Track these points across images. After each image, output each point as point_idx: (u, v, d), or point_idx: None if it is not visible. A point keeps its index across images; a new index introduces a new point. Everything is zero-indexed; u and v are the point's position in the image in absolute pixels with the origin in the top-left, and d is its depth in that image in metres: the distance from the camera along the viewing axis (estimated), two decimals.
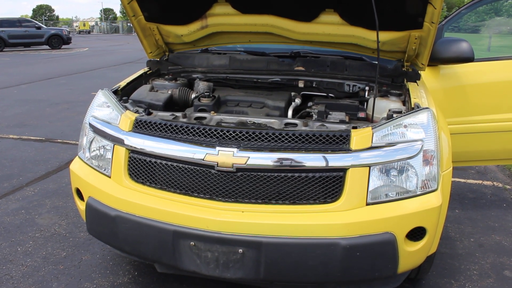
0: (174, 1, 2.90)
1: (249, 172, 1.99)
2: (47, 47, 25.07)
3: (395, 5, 2.49)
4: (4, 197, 4.11)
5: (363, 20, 2.73)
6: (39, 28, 25.03)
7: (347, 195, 1.97)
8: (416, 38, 2.68)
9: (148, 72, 3.12)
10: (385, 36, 2.73)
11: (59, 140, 6.04)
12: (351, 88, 2.91)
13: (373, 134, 2.03)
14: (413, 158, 2.02)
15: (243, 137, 2.02)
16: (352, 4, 2.66)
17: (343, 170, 1.97)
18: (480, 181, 4.75)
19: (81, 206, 2.43)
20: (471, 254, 3.22)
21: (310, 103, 2.72)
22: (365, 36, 2.81)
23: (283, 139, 2.00)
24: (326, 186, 1.98)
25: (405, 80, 2.80)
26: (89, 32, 65.86)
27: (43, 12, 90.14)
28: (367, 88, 2.83)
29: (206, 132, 2.07)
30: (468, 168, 5.10)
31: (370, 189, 1.99)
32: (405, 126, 2.08)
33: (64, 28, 29.59)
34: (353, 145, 1.99)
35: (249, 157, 1.96)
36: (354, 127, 2.15)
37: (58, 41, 25.14)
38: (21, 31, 24.05)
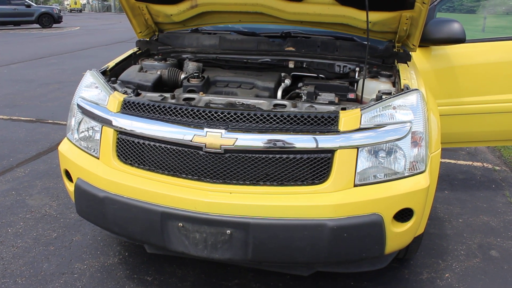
0: None
1: (237, 154, 1.99)
2: (37, 25, 24.64)
3: None
4: None
5: (354, 0, 2.70)
6: (28, 6, 24.53)
7: (335, 176, 1.97)
8: (407, 19, 2.66)
9: (137, 52, 3.08)
10: (376, 16, 2.70)
11: (49, 121, 5.99)
12: (341, 69, 2.90)
13: (361, 115, 2.03)
14: (402, 140, 2.03)
15: (231, 118, 2.01)
16: None
17: (331, 151, 1.97)
18: (470, 162, 4.78)
19: (70, 187, 2.43)
20: (459, 234, 3.26)
21: (300, 84, 2.70)
22: (356, 16, 2.78)
23: (271, 120, 1.99)
24: (314, 168, 1.99)
25: (396, 61, 2.78)
26: (80, 11, 64.73)
27: None
28: (357, 69, 2.82)
29: (194, 113, 2.06)
30: (458, 149, 5.13)
31: (358, 170, 1.99)
32: (394, 108, 2.08)
33: (54, 7, 29.08)
34: (341, 126, 1.98)
35: (237, 139, 1.96)
36: (343, 109, 2.15)
37: (48, 19, 24.70)
38: (10, 9, 23.57)
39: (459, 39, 3.22)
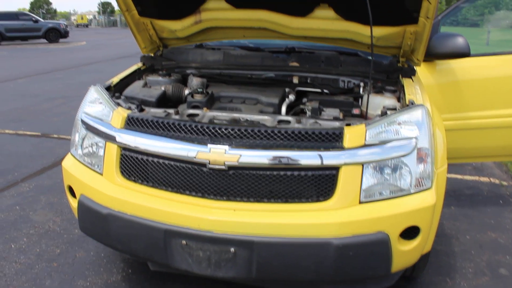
0: None
1: (241, 170, 1.97)
2: (44, 40, 24.95)
3: (390, 0, 2.46)
4: None
5: (358, 15, 2.70)
6: (36, 21, 24.88)
7: (340, 193, 1.95)
8: (411, 34, 2.65)
9: (141, 68, 3.09)
10: (380, 31, 2.70)
11: (55, 136, 6.01)
12: (346, 84, 2.89)
13: (366, 131, 2.01)
14: (407, 156, 2.01)
15: (235, 134, 2.00)
16: None
17: (336, 168, 1.95)
18: (477, 177, 4.73)
19: (74, 203, 2.42)
20: (466, 251, 3.21)
21: (304, 100, 2.69)
22: (360, 31, 2.78)
23: (275, 136, 1.98)
24: (319, 185, 1.96)
25: (400, 76, 2.77)
26: (87, 26, 65.57)
27: (40, 5, 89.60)
28: (362, 84, 2.81)
29: (198, 129, 2.05)
30: (465, 164, 5.08)
31: (363, 187, 1.97)
32: (399, 124, 2.06)
33: (61, 22, 29.47)
34: (346, 142, 1.97)
35: (241, 155, 1.94)
36: (348, 124, 2.13)
37: (55, 34, 25.02)
38: (18, 24, 23.90)
39: (464, 53, 3.21)
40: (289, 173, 1.96)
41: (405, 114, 2.07)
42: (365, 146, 1.98)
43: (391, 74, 2.81)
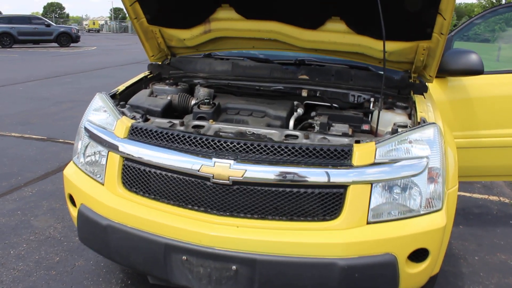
0: (177, 5, 2.84)
1: (245, 186, 1.91)
2: (55, 44, 25.15)
3: (404, 15, 2.41)
4: (1, 197, 4.05)
5: (370, 29, 2.65)
6: (48, 25, 25.11)
7: (347, 213, 1.88)
8: (424, 49, 2.60)
9: (148, 76, 3.06)
10: (392, 46, 2.65)
11: (60, 140, 5.99)
12: (356, 99, 2.83)
13: (376, 149, 1.94)
14: (418, 176, 1.94)
15: (240, 148, 1.94)
16: (359, 12, 2.58)
17: (344, 186, 1.89)
18: (486, 196, 4.64)
19: (74, 212, 2.37)
20: (475, 273, 3.12)
21: (313, 113, 2.64)
22: (372, 45, 2.73)
23: (282, 152, 1.92)
24: (325, 203, 1.90)
25: (412, 92, 2.71)
26: (98, 31, 66.14)
27: (53, 9, 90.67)
28: (372, 99, 2.75)
29: (202, 142, 2.00)
30: (474, 182, 4.99)
31: (371, 207, 1.90)
32: (410, 142, 1.99)
33: (73, 26, 29.70)
34: (355, 160, 1.90)
35: (246, 170, 1.88)
36: (357, 141, 2.07)
37: (66, 39, 25.21)
38: (30, 28, 24.12)
39: (477, 71, 3.15)
40: (295, 190, 1.89)
41: (417, 133, 2.01)
42: (375, 164, 1.92)
43: (402, 90, 2.75)
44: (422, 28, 2.48)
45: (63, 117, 7.32)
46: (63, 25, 31.52)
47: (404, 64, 2.80)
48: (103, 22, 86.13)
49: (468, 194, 4.65)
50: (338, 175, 1.88)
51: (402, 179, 1.93)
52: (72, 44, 25.71)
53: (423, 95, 2.70)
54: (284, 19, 2.76)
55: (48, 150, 5.55)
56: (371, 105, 2.73)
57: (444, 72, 3.20)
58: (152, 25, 2.97)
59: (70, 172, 2.40)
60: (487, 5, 42.01)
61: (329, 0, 2.56)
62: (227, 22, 2.89)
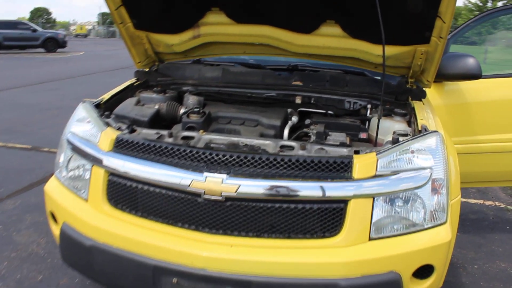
0: (164, 9, 2.71)
1: (239, 202, 1.79)
2: (42, 50, 24.81)
3: (401, 18, 2.31)
4: None
5: (366, 33, 2.55)
6: (34, 30, 24.76)
7: (348, 229, 1.77)
8: (422, 54, 2.51)
9: (135, 84, 2.92)
10: (389, 50, 2.55)
11: (46, 149, 5.81)
12: (351, 105, 2.72)
13: (377, 160, 1.83)
14: (421, 188, 1.84)
15: (233, 162, 1.82)
16: (355, 16, 2.48)
17: (344, 201, 1.77)
18: (482, 201, 4.56)
19: (56, 231, 2.22)
20: (475, 283, 3.03)
21: (307, 121, 2.53)
22: (368, 50, 2.63)
23: (278, 165, 1.80)
24: (325, 219, 1.78)
25: (410, 98, 2.61)
26: (86, 36, 65.61)
27: (40, 14, 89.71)
28: (369, 106, 2.64)
29: (193, 155, 1.87)
30: (469, 187, 4.91)
31: (373, 222, 1.79)
32: (412, 152, 1.89)
33: (60, 32, 29.39)
34: (356, 173, 1.79)
35: (239, 185, 1.76)
36: (356, 152, 1.96)
37: (53, 44, 24.88)
38: (16, 33, 23.77)
39: (475, 75, 3.06)
40: (292, 205, 1.78)
41: (419, 142, 1.91)
42: (376, 177, 1.80)
43: (400, 95, 2.65)
44: (420, 32, 2.38)
45: (49, 125, 7.13)
46: (50, 30, 31.02)
47: (401, 69, 2.71)
48: (90, 27, 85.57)
49: (463, 199, 4.55)
50: (338, 189, 1.76)
51: (405, 191, 1.83)
52: (59, 50, 25.37)
53: (421, 101, 2.61)
54: (276, 23, 2.65)
55: (32, 159, 5.37)
56: (368, 112, 2.62)
57: (441, 76, 3.11)
58: (138, 30, 2.84)
59: (52, 187, 2.26)
60: (474, 9, 42.44)
61: (324, 3, 2.46)
62: (217, 26, 2.77)
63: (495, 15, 3.63)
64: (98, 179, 2.03)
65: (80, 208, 2.05)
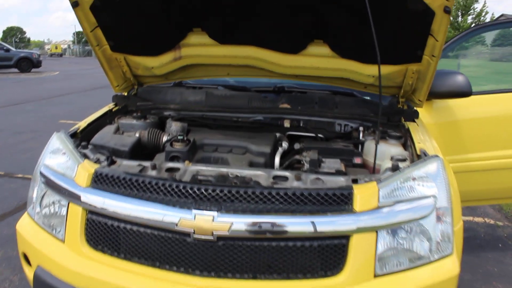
0: (143, 30, 2.57)
1: (233, 241, 1.63)
2: (16, 70, 24.30)
3: (393, 37, 2.22)
4: None
5: (356, 52, 2.46)
6: (7, 50, 24.25)
7: (352, 266, 1.63)
8: (413, 73, 2.42)
9: (113, 109, 2.75)
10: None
11: (19, 175, 5.55)
12: (342, 128, 2.61)
13: (379, 190, 1.71)
14: (426, 218, 1.72)
15: (224, 197, 1.67)
16: (344, 35, 2.39)
17: (346, 236, 1.64)
18: (471, 218, 4.50)
19: (29, 274, 2.02)
20: None
21: (296, 145, 2.40)
22: (358, 70, 2.54)
23: (273, 199, 1.65)
24: (326, 256, 1.64)
25: (403, 119, 2.52)
26: (61, 55, 64.78)
27: (14, 34, 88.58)
28: (361, 128, 2.53)
29: (179, 190, 1.71)
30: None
31: (377, 257, 1.66)
32: (414, 179, 1.77)
33: (34, 51, 28.86)
34: (357, 205, 1.66)
35: (232, 223, 1.61)
36: (354, 180, 1.84)
37: (27, 64, 24.38)
38: None
39: (465, 93, 3.00)
40: (291, 243, 1.63)
41: (421, 169, 1.80)
42: (379, 208, 1.68)
43: (391, 116, 2.55)
44: (412, 50, 2.30)
45: (23, 149, 6.85)
46: (24, 50, 30.53)
47: (391, 88, 2.62)
48: (66, 46, 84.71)
49: None
50: (339, 224, 1.63)
51: (409, 222, 1.71)
52: (33, 69, 24.87)
53: (414, 121, 2.51)
54: (262, 43, 2.54)
55: (5, 187, 5.10)
56: (361, 135, 2.51)
57: (430, 94, 3.02)
58: (116, 52, 2.69)
59: (24, 226, 2.07)
60: (452, 19, 43.67)
61: (312, 22, 2.35)
62: (199, 48, 2.64)
63: (479, 31, 3.60)
64: (75, 218, 1.85)
65: (56, 250, 1.87)
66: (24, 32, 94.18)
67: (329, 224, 1.63)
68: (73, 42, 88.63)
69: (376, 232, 1.66)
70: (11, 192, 4.94)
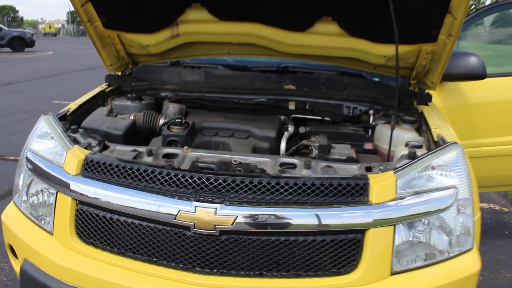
0: (138, 5, 2.39)
1: (237, 235, 1.49)
2: (8, 49, 23.87)
3: (406, 14, 2.04)
4: None
5: (366, 30, 2.29)
6: None
7: (367, 263, 1.49)
8: (427, 53, 2.27)
9: (106, 90, 2.58)
10: (390, 49, 2.31)
11: (11, 157, 5.38)
12: (351, 111, 2.46)
13: (396, 180, 1.56)
14: (447, 210, 1.58)
15: (228, 187, 1.52)
16: (355, 11, 2.21)
17: (361, 230, 1.50)
18: None
19: (16, 266, 1.88)
20: None
21: (302, 129, 2.25)
22: (368, 49, 2.37)
23: (281, 190, 1.51)
24: (340, 252, 1.50)
25: (415, 102, 2.36)
26: (55, 35, 63.96)
27: (6, 13, 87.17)
28: (371, 111, 2.38)
29: (178, 179, 1.56)
30: None
31: (394, 253, 1.52)
32: (433, 168, 1.63)
33: (27, 30, 28.38)
34: (373, 197, 1.52)
35: (237, 216, 1.46)
36: (368, 168, 1.69)
37: (20, 43, 23.97)
38: None
39: (479, 75, 2.84)
40: (301, 238, 1.49)
41: (440, 156, 1.65)
42: (396, 199, 1.53)
43: (402, 99, 2.39)
44: (426, 29, 2.13)
45: (15, 131, 6.66)
46: (16, 29, 29.94)
47: (402, 69, 2.46)
48: (60, 25, 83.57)
49: None
50: (353, 217, 1.49)
51: (429, 215, 1.57)
52: (26, 49, 24.47)
53: (427, 105, 2.36)
54: (265, 20, 2.36)
55: None
56: (371, 118, 2.35)
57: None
58: (108, 29, 2.51)
59: (10, 216, 1.92)
60: None
61: None
62: (198, 24, 2.46)
63: (481, 16, 3.44)
64: (64, 209, 1.70)
65: (44, 243, 1.72)
66: (17, 11, 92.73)
67: (343, 217, 1.49)
68: (67, 21, 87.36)
69: (394, 225, 1.52)
70: (2, 175, 4.78)
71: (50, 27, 70.95)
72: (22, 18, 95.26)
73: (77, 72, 14.84)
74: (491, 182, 3.31)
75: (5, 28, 25.54)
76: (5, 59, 19.43)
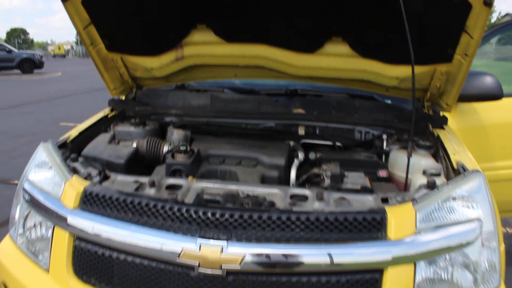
0: (141, 27, 2.33)
1: (245, 276, 1.38)
2: (18, 71, 24.16)
3: (420, 33, 1.96)
4: None
5: (378, 51, 2.20)
6: (9, 51, 24.14)
7: None
8: (442, 74, 2.17)
9: (109, 115, 2.50)
10: (403, 71, 2.23)
11: (16, 181, 5.31)
12: (363, 135, 2.35)
13: (416, 213, 1.45)
14: (471, 245, 1.46)
15: (235, 223, 1.41)
16: (367, 31, 2.13)
17: (379, 270, 1.38)
18: None
19: None
20: None
21: (312, 155, 2.14)
22: (380, 71, 2.28)
23: (293, 226, 1.40)
24: None
25: (430, 126, 2.25)
26: (64, 56, 64.89)
27: (17, 35, 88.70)
28: (384, 136, 2.27)
29: (182, 214, 1.46)
30: None
31: None
32: (455, 199, 1.51)
33: (36, 52, 28.73)
34: (392, 232, 1.40)
35: (245, 255, 1.35)
36: (384, 200, 1.58)
37: (29, 65, 24.26)
38: None
39: (495, 96, 2.73)
40: (314, 279, 1.37)
41: (462, 186, 1.54)
42: (417, 234, 1.42)
43: (417, 123, 2.28)
44: (442, 49, 2.04)
45: (21, 153, 6.61)
46: (26, 51, 30.40)
47: (416, 91, 2.35)
48: (69, 47, 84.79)
49: None
50: (371, 254, 1.37)
51: (451, 251, 1.45)
52: (36, 70, 24.75)
53: (443, 128, 2.25)
54: (273, 41, 2.28)
55: (0, 194, 4.87)
56: (384, 144, 2.24)
57: None
58: (112, 52, 2.45)
59: (5, 251, 1.82)
60: None
61: (329, 17, 2.10)
62: (203, 46, 2.39)
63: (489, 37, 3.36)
64: (61, 244, 1.60)
65: (39, 282, 1.62)
66: (28, 33, 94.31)
67: (358, 255, 1.37)
68: (76, 43, 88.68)
69: (414, 263, 1.40)
70: (6, 199, 4.70)
71: (59, 48, 71.96)
72: (32, 40, 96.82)
73: (85, 93, 14.90)
74: (509, 207, 3.17)
75: (15, 50, 25.90)
76: (14, 81, 19.62)
